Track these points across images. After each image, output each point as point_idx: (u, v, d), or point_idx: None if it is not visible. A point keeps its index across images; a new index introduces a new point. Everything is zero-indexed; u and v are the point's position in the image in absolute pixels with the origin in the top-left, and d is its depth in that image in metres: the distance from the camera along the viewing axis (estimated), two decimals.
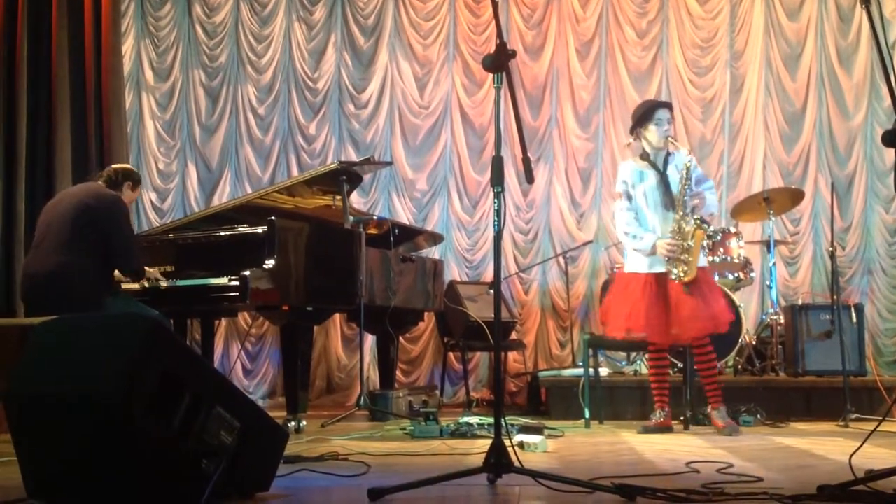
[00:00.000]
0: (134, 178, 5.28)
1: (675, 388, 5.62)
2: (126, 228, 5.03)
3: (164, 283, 5.28)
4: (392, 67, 8.26)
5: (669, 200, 5.19)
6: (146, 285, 5.25)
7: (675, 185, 5.19)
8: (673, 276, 5.11)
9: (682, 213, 5.12)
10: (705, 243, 5.40)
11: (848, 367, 5.99)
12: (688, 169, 5.14)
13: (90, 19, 7.16)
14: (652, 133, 5.25)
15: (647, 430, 5.24)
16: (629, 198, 5.30)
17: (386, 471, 3.47)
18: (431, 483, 2.88)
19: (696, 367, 5.41)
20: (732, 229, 6.89)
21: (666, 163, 5.26)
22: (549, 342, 7.99)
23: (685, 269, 5.08)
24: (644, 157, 5.32)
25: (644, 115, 5.29)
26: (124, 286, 5.25)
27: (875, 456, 3.73)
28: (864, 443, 3.18)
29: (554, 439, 4.71)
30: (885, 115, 7.83)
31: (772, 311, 6.78)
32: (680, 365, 5.92)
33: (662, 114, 5.26)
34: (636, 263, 5.27)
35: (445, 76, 8.27)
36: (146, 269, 5.19)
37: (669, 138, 5.23)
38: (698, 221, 5.06)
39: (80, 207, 4.89)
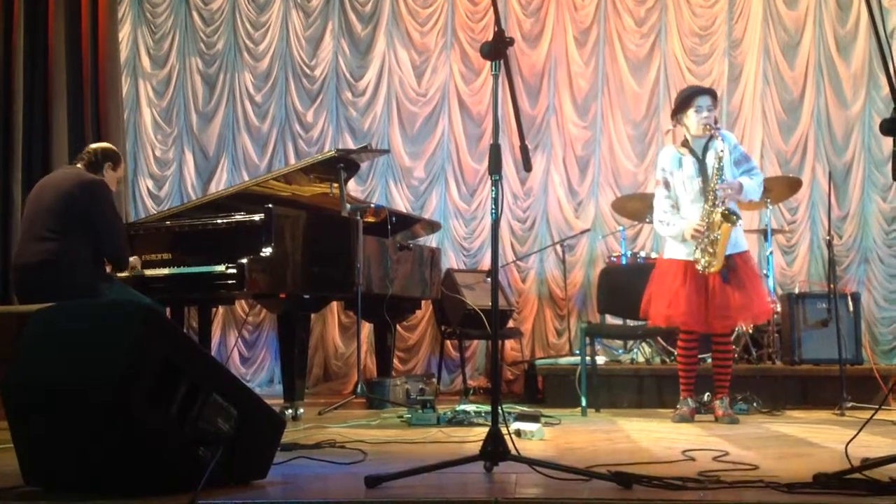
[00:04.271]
0: (114, 158, 5.15)
1: (671, 375, 5.62)
2: (111, 217, 4.94)
3: (146, 272, 5.27)
4: (389, 55, 8.23)
5: (707, 189, 5.12)
6: (130, 274, 5.22)
7: (711, 174, 5.12)
8: (699, 266, 5.08)
9: (711, 204, 5.06)
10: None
11: (844, 355, 6.01)
12: (720, 158, 5.06)
13: (87, 6, 7.13)
14: (691, 120, 5.18)
15: (683, 419, 5.18)
16: (667, 185, 5.27)
17: (383, 458, 3.47)
18: (428, 471, 2.88)
19: (713, 356, 5.38)
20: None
21: (706, 150, 5.16)
22: (546, 330, 8.00)
23: (710, 259, 5.05)
24: (685, 143, 5.26)
25: (684, 102, 5.24)
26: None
27: (871, 444, 3.74)
28: (859, 431, 3.19)
29: (550, 427, 4.71)
30: (884, 103, 7.82)
31: (768, 299, 6.78)
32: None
33: (702, 100, 5.16)
34: (674, 250, 5.25)
35: (443, 64, 8.25)
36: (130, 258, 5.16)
37: (707, 125, 5.11)
38: (726, 213, 4.98)
39: (64, 196, 4.83)
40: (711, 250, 5.05)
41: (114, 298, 4.63)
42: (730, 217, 4.99)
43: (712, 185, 5.07)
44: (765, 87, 8.08)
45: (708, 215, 5.07)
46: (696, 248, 5.09)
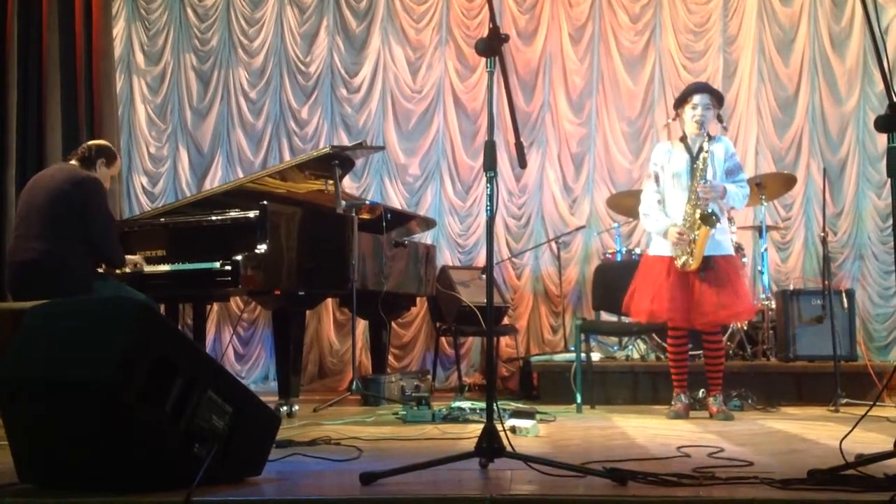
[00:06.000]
0: (108, 155, 5.12)
1: (666, 372, 5.63)
2: (103, 215, 4.91)
3: (146, 268, 5.26)
4: (384, 51, 8.23)
5: (691, 188, 5.14)
6: (127, 271, 5.20)
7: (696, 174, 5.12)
8: (677, 263, 5.11)
9: (693, 204, 5.07)
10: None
11: (839, 352, 6.02)
12: (704, 159, 5.07)
13: (80, 2, 7.11)
14: (686, 116, 5.20)
15: (677, 416, 5.19)
16: (657, 180, 5.27)
17: (378, 455, 3.47)
18: (423, 467, 2.88)
19: (705, 353, 5.38)
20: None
21: (701, 149, 5.14)
22: (542, 327, 8.01)
23: (688, 259, 5.07)
24: (682, 139, 5.26)
25: (682, 97, 5.25)
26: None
27: (865, 440, 3.74)
28: (854, 427, 3.19)
29: (546, 424, 4.72)
30: (878, 100, 7.84)
31: (763, 296, 6.80)
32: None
33: (699, 98, 5.15)
34: (659, 246, 5.25)
35: (438, 60, 8.24)
36: (127, 256, 5.14)
37: (699, 124, 5.11)
38: (704, 215, 4.99)
39: (57, 194, 4.80)
40: (689, 250, 5.07)
41: (109, 295, 4.62)
42: (708, 219, 4.99)
43: (694, 184, 5.09)
44: (759, 84, 8.09)
45: (689, 215, 5.09)
46: (677, 246, 5.11)
